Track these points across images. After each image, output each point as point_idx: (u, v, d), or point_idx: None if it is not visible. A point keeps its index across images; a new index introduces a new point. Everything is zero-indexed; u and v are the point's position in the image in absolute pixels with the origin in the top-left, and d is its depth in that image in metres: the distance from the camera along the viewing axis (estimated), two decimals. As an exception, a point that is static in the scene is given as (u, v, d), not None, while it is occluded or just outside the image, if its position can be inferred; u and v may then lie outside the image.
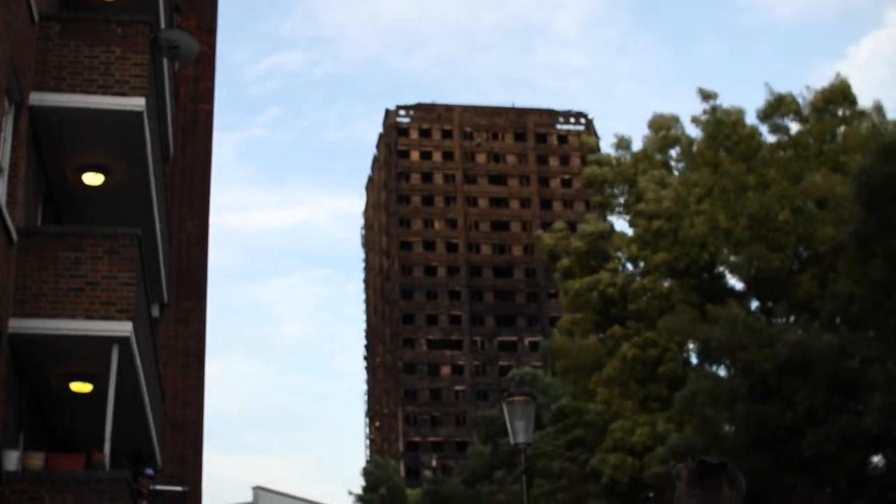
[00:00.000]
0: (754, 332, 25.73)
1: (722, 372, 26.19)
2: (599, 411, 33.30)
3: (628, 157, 40.29)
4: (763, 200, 31.94)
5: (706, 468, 3.75)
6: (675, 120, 39.64)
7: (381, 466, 54.76)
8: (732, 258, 32.17)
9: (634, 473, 29.99)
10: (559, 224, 44.26)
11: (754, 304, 34.03)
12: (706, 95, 38.01)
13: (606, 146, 42.52)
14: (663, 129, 39.46)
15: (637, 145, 40.81)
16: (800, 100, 35.99)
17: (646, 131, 40.52)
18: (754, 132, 36.85)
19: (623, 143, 41.10)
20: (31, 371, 16.77)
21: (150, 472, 19.14)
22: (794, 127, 36.57)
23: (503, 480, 34.16)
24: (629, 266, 37.73)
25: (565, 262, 37.96)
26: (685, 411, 26.57)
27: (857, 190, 25.82)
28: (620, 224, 40.89)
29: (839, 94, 34.92)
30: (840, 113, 35.20)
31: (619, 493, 31.56)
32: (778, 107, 35.91)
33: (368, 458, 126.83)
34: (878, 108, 34.58)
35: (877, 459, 27.74)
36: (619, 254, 37.54)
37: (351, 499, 56.79)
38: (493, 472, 36.62)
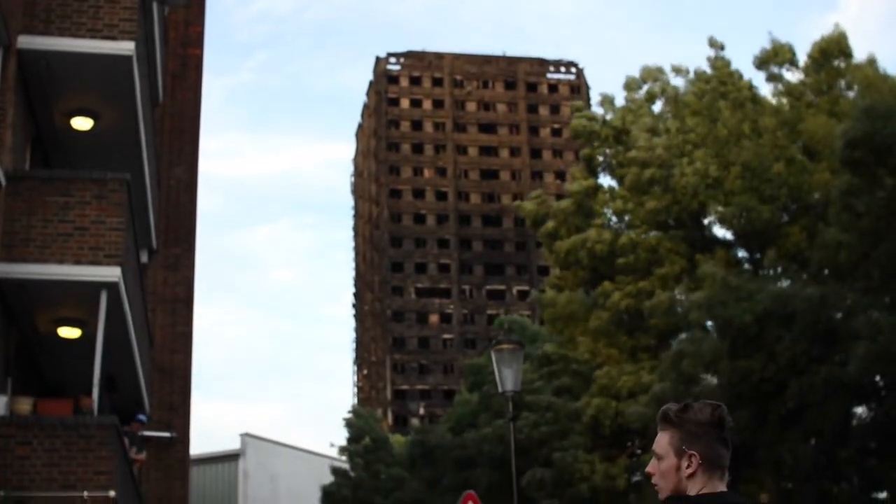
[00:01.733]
0: (732, 289, 25.76)
1: (709, 324, 26.24)
2: (585, 360, 33.39)
3: (612, 115, 40.18)
4: (757, 150, 31.92)
5: (724, 416, 3.79)
6: (659, 71, 39.56)
7: (363, 417, 54.95)
8: (720, 209, 32.17)
9: (619, 419, 30.12)
10: (537, 192, 44.39)
11: (742, 255, 34.10)
12: (714, 44, 37.93)
13: (597, 95, 42.28)
14: (648, 80, 39.42)
15: (621, 101, 40.72)
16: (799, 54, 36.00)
17: (633, 81, 40.47)
18: (749, 83, 36.82)
19: (607, 101, 41.01)
20: (19, 316, 16.75)
21: (142, 417, 19.17)
22: (790, 76, 36.55)
23: (489, 425, 34.26)
24: (615, 220, 37.74)
25: (549, 225, 37.96)
26: (671, 370, 26.67)
27: (841, 147, 25.89)
28: (607, 180, 40.83)
29: (835, 45, 34.83)
30: (836, 64, 35.11)
31: (601, 434, 31.71)
32: (774, 55, 35.79)
33: (355, 406, 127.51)
34: (872, 62, 34.53)
35: (860, 410, 27.92)
36: (606, 209, 37.55)
37: (335, 450, 56.96)
38: (479, 420, 36.75)
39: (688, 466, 3.82)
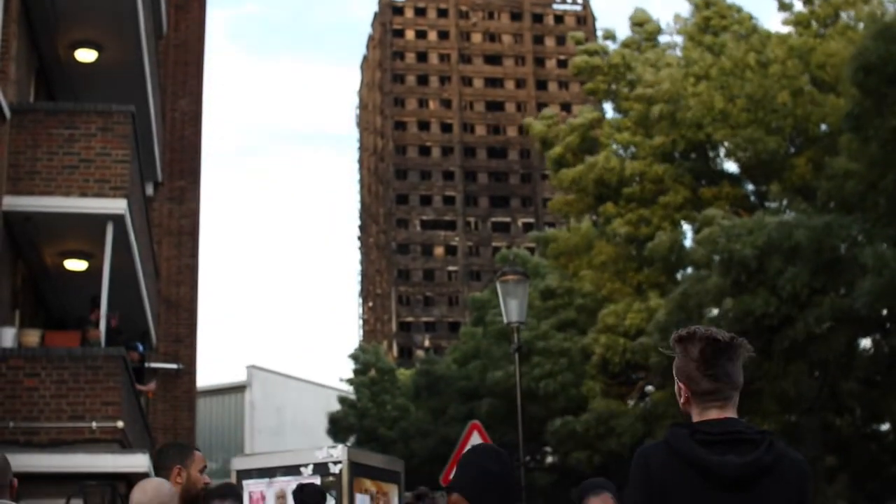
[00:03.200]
0: (735, 225, 25.67)
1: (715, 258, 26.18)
2: (590, 292, 33.33)
3: (615, 46, 39.89)
4: (762, 81, 31.72)
5: (720, 348, 3.84)
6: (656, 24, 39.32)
7: (367, 351, 55.30)
8: (727, 143, 32.05)
9: (627, 356, 30.17)
10: (549, 111, 43.91)
11: (749, 188, 34.03)
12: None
13: (604, 25, 42.02)
14: (649, 22, 39.18)
15: (626, 33, 40.47)
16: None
17: (641, 14, 40.14)
18: (749, 15, 36.52)
19: (610, 35, 40.70)
20: (25, 249, 16.80)
21: (139, 346, 19.20)
22: (799, 5, 36.21)
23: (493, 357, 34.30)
24: (621, 152, 37.57)
25: (558, 149, 37.76)
26: (676, 310, 26.66)
27: (852, 71, 25.63)
28: (613, 113, 40.54)
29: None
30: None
31: (611, 373, 31.80)
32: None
33: (361, 338, 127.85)
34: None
35: (864, 342, 27.95)
36: (611, 141, 37.38)
37: (343, 384, 57.32)
38: (483, 352, 36.86)
39: (681, 395, 3.94)
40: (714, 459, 3.74)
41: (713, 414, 3.87)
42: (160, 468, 5.94)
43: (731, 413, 3.88)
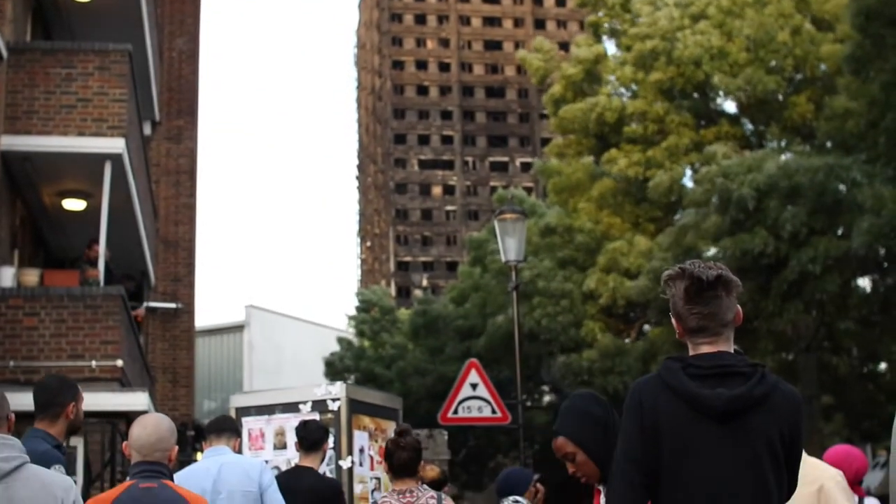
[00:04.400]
0: (735, 164, 25.59)
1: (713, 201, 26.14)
2: (589, 229, 33.25)
3: None
4: (761, 20, 31.52)
5: (705, 285, 3.89)
6: None
7: (369, 293, 55.69)
8: (725, 84, 31.87)
9: (630, 297, 30.16)
10: (544, 44, 43.29)
11: (748, 128, 33.94)
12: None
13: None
14: None
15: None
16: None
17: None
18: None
19: None
20: (23, 189, 16.80)
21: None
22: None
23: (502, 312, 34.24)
24: (622, 90, 37.38)
25: (557, 88, 37.52)
26: (674, 245, 26.66)
27: (852, 15, 25.49)
28: (613, 49, 40.21)
29: None
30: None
31: (614, 314, 31.83)
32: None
33: (360, 278, 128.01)
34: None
35: (862, 282, 28.02)
36: (612, 77, 37.15)
37: (342, 323, 57.62)
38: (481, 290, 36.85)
39: (677, 330, 4.03)
40: (705, 392, 3.79)
41: (704, 349, 3.92)
42: (55, 405, 6.09)
43: (723, 347, 3.93)
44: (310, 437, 8.42)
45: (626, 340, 32.59)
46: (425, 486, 7.22)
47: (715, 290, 3.91)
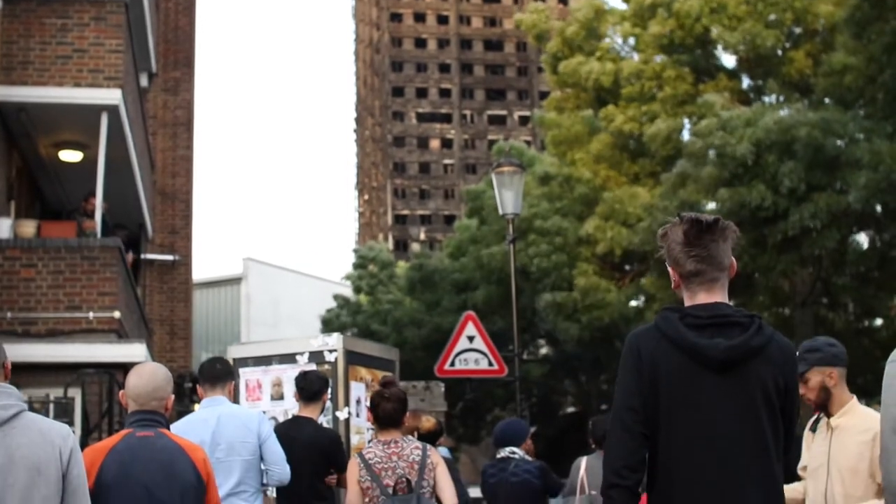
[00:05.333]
0: (733, 117, 25.47)
1: (710, 153, 26.03)
2: (588, 179, 33.12)
3: None
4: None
5: (703, 228, 3.92)
6: None
7: (365, 249, 55.82)
8: (724, 38, 31.67)
9: (629, 245, 30.09)
10: (539, 3, 43.12)
11: (746, 83, 33.82)
12: None
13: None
14: None
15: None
16: None
17: None
18: None
19: None
20: (20, 140, 16.76)
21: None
22: None
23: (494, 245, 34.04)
24: (620, 42, 37.17)
25: (556, 43, 37.29)
26: (671, 195, 26.60)
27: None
28: (614, 1, 40.09)
29: None
30: None
31: (610, 262, 31.73)
32: None
33: (357, 231, 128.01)
34: None
35: (859, 238, 28.02)
36: (612, 31, 36.90)
37: (340, 278, 57.59)
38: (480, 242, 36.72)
39: (673, 280, 4.06)
40: (703, 342, 3.81)
41: (701, 298, 3.95)
42: None
43: (719, 297, 3.96)
44: (310, 388, 8.46)
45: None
46: (410, 436, 7.28)
47: (713, 234, 3.95)
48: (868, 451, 5.30)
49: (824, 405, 5.63)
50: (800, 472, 5.86)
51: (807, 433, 5.91)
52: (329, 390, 8.88)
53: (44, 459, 4.18)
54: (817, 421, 5.82)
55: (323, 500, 8.28)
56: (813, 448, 5.73)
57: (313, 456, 8.08)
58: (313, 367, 9.80)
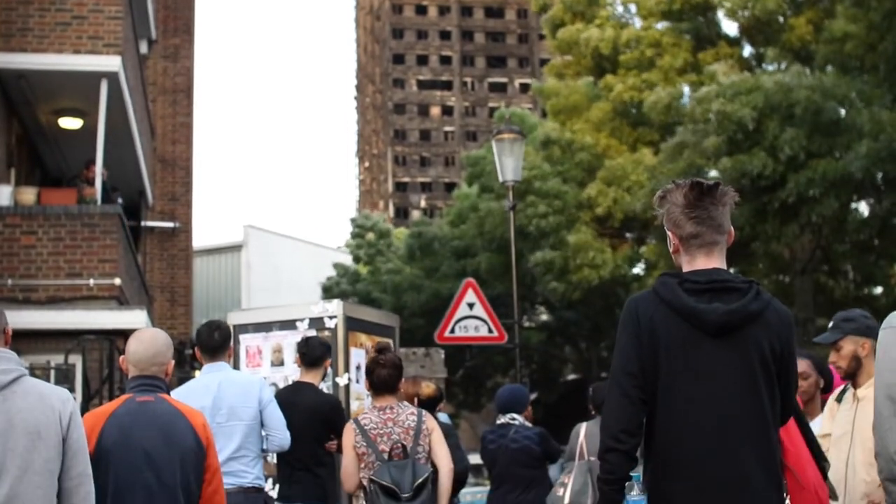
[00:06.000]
0: (733, 84, 25.38)
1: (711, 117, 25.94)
2: (589, 145, 33.03)
3: None
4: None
5: (704, 190, 3.94)
6: None
7: (363, 218, 55.76)
8: (727, 3, 31.55)
9: (630, 211, 30.03)
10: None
11: (747, 51, 33.72)
12: None
13: None
14: None
15: None
16: None
17: None
18: None
19: None
20: (19, 107, 16.74)
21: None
22: None
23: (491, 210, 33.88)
24: (622, 9, 37.03)
25: (558, 9, 37.14)
26: (671, 161, 26.56)
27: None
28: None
29: None
30: None
31: (609, 226, 31.69)
32: None
33: (358, 199, 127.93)
34: None
35: (859, 206, 27.98)
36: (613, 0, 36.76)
37: (343, 242, 57.67)
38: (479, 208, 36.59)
39: (671, 244, 4.07)
40: (701, 306, 3.83)
41: (700, 262, 3.97)
42: None
43: (717, 263, 3.98)
44: (311, 354, 8.49)
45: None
46: (405, 402, 7.31)
47: (713, 197, 3.98)
48: None
49: (853, 375, 5.69)
50: (821, 441, 5.89)
51: (831, 402, 5.97)
52: (331, 355, 8.91)
53: (44, 423, 4.20)
54: (843, 391, 5.86)
55: (323, 465, 8.32)
56: (838, 417, 5.78)
57: (314, 422, 8.11)
58: (313, 333, 9.83)
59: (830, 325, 6.02)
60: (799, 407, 4.76)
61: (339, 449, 8.17)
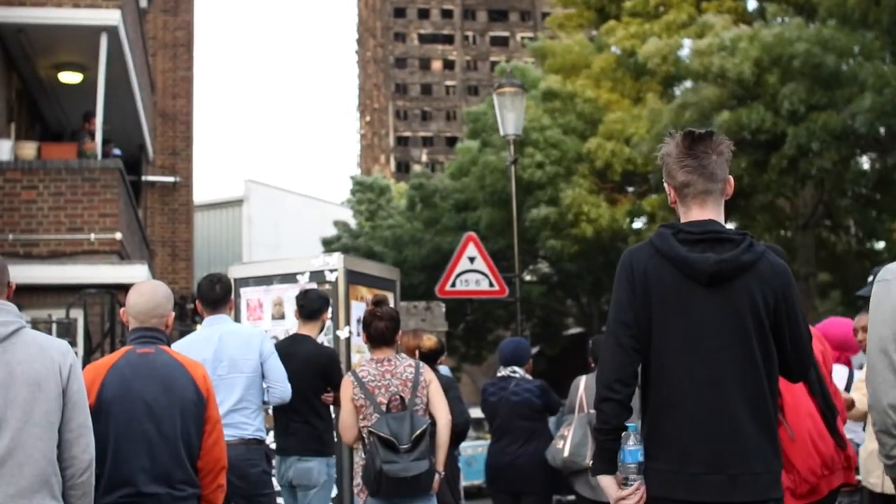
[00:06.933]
0: (733, 37, 25.25)
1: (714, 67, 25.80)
2: (591, 98, 32.90)
3: None
4: None
5: (696, 138, 3.96)
6: None
7: (362, 176, 55.84)
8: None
9: (628, 164, 29.93)
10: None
11: (751, 5, 33.55)
12: None
13: None
14: None
15: None
16: None
17: None
18: None
19: None
20: (19, 62, 16.70)
21: (117, 152, 18.98)
22: None
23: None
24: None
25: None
26: (674, 122, 26.45)
27: None
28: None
29: None
30: None
31: (608, 179, 31.58)
32: None
33: (359, 153, 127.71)
34: None
35: (861, 160, 27.89)
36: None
37: (344, 196, 57.66)
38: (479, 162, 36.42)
39: (670, 197, 4.11)
40: (693, 256, 3.86)
41: (695, 214, 4.00)
42: None
43: (712, 214, 4.00)
44: (309, 306, 8.53)
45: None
46: (403, 354, 7.35)
47: (705, 146, 4.00)
48: None
49: None
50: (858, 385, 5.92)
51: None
52: (329, 309, 8.93)
53: (44, 375, 4.22)
54: None
55: (319, 417, 8.35)
56: None
57: (310, 373, 8.14)
58: (314, 286, 9.87)
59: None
60: (815, 359, 4.78)
61: (336, 401, 8.22)
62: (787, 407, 5.33)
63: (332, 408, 8.56)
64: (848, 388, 7.37)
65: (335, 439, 8.73)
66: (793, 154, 23.93)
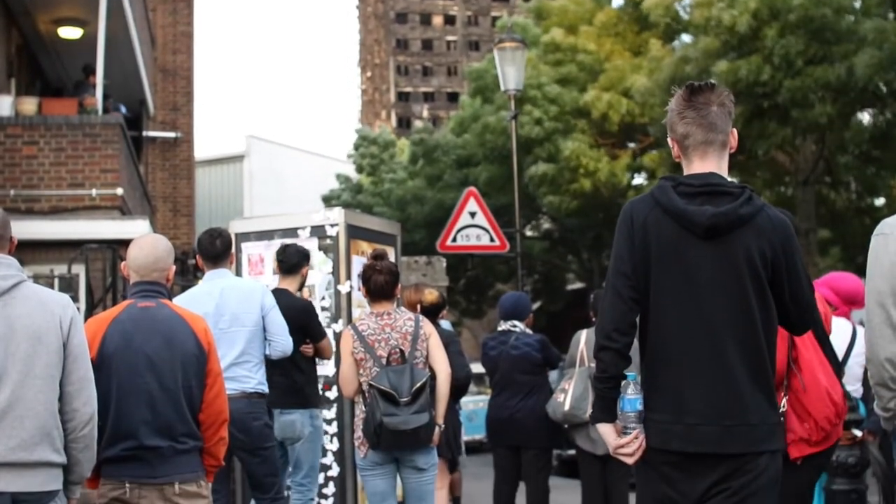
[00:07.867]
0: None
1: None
2: (593, 50, 32.74)
3: None
4: None
5: (695, 89, 3.97)
6: None
7: (367, 129, 55.66)
8: None
9: (627, 118, 29.80)
10: None
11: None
12: None
13: None
14: None
15: None
16: None
17: None
18: None
19: None
20: (18, 17, 16.65)
21: (121, 108, 18.97)
22: None
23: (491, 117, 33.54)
24: None
25: None
26: (673, 78, 26.29)
27: None
28: None
29: None
30: None
31: (607, 131, 31.44)
32: None
33: (360, 109, 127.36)
34: None
35: (862, 117, 27.73)
36: None
37: (346, 152, 57.46)
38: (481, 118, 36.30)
39: (674, 151, 4.14)
40: (691, 208, 3.88)
41: (696, 166, 4.02)
42: None
43: (713, 166, 4.02)
44: (288, 261, 8.62)
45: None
46: (402, 308, 7.37)
47: (705, 97, 4.01)
48: None
49: None
50: None
51: None
52: (329, 264, 8.94)
53: (44, 328, 4.25)
54: None
55: (300, 371, 8.36)
56: None
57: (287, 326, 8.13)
58: (314, 241, 9.91)
59: None
60: (819, 316, 4.81)
61: (316, 352, 8.27)
62: (802, 358, 5.38)
63: (316, 360, 8.60)
64: (852, 344, 7.43)
65: (319, 392, 8.75)
66: (784, 103, 23.80)
